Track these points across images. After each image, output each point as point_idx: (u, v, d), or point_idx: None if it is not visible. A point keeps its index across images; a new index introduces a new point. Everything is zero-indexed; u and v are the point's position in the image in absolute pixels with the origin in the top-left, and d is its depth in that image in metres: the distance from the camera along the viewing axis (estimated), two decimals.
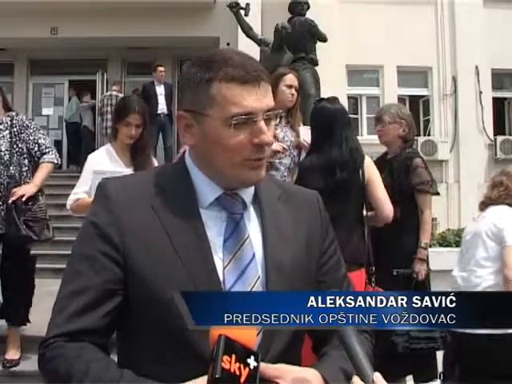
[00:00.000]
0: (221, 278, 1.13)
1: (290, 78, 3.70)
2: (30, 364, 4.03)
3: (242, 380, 0.94)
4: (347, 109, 11.75)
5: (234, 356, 0.94)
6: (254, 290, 1.14)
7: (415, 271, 3.59)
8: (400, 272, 3.55)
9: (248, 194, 1.23)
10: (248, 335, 0.99)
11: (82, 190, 3.44)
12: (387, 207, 3.24)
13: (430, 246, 4.65)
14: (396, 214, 3.36)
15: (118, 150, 3.54)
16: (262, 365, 1.02)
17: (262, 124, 1.14)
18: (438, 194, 3.81)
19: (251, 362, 0.96)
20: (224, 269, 1.14)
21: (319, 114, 3.35)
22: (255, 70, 1.15)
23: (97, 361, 1.07)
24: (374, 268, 3.25)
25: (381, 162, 3.74)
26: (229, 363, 0.93)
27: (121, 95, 10.70)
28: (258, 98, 1.13)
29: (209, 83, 1.13)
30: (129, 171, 3.36)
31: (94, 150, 12.62)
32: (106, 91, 11.94)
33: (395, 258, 3.55)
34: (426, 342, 3.42)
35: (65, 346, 1.08)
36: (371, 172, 3.25)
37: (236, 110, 1.12)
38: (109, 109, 10.39)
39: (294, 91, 3.70)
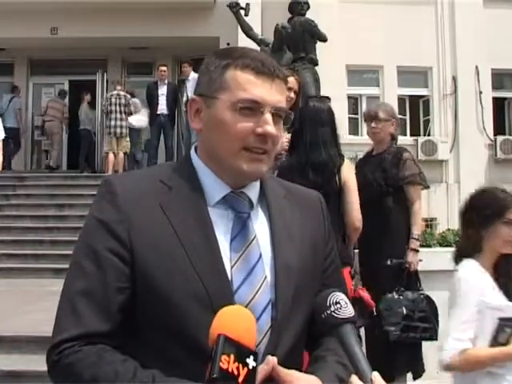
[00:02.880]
0: (229, 277, 1.12)
1: (291, 81, 3.69)
2: (30, 364, 4.03)
3: (240, 380, 0.93)
4: (347, 109, 11.68)
5: (232, 356, 0.93)
6: (260, 290, 1.13)
7: (408, 261, 3.64)
8: (393, 262, 3.60)
9: (254, 193, 1.23)
10: (248, 335, 0.99)
11: (468, 337, 2.19)
12: (355, 214, 3.18)
13: (430, 246, 4.66)
14: (389, 205, 3.51)
15: (487, 266, 2.33)
16: (278, 367, 1.02)
17: (269, 116, 1.15)
18: (428, 187, 3.90)
19: (250, 361, 0.95)
20: (232, 268, 1.13)
21: (302, 112, 3.29)
22: (273, 65, 1.17)
23: (122, 363, 1.05)
24: (354, 270, 3.30)
25: (366, 160, 3.92)
26: (227, 363, 0.92)
27: (129, 96, 10.62)
28: (269, 92, 1.15)
29: (225, 69, 1.16)
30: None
31: (93, 149, 12.66)
32: (106, 91, 11.92)
33: (387, 248, 3.60)
34: (418, 332, 3.50)
35: (82, 350, 1.06)
36: (348, 176, 3.19)
37: (244, 95, 1.14)
38: (116, 108, 10.30)
39: (292, 94, 3.70)
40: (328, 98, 3.53)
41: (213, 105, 1.16)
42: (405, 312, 3.54)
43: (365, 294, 3.21)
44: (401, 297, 3.59)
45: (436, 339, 3.55)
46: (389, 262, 3.60)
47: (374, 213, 3.49)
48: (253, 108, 1.14)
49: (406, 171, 3.71)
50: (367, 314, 3.21)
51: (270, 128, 1.15)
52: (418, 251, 3.68)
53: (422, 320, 3.56)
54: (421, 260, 3.73)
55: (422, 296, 3.64)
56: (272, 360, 1.03)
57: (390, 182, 3.67)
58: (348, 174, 3.20)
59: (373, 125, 3.85)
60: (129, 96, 10.53)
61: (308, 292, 1.20)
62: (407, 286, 3.65)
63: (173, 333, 1.09)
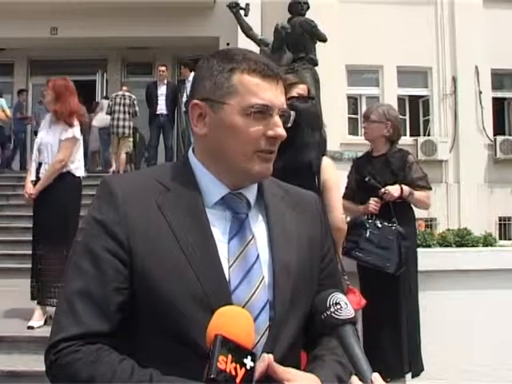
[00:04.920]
0: (226, 277, 1.13)
1: (303, 88, 3.70)
2: (30, 364, 4.02)
3: (238, 380, 0.93)
4: (347, 109, 11.66)
5: (230, 356, 0.93)
6: (258, 290, 1.14)
7: (387, 188, 3.65)
8: (371, 181, 3.67)
9: (252, 194, 1.23)
10: (246, 335, 0.99)
11: None
12: (337, 214, 3.14)
13: (430, 246, 4.66)
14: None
15: None
16: (275, 365, 1.02)
17: (278, 118, 1.17)
18: (430, 188, 3.93)
19: (248, 362, 0.95)
20: (229, 268, 1.14)
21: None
22: (275, 67, 1.19)
23: (119, 362, 1.05)
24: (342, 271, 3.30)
25: (368, 160, 3.94)
26: (225, 363, 0.92)
27: (133, 96, 10.65)
28: (275, 94, 1.17)
29: (230, 73, 1.16)
30: None
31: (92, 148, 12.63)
32: (106, 91, 11.96)
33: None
34: (375, 259, 3.54)
35: (80, 350, 1.06)
36: (328, 175, 3.11)
37: (255, 100, 1.14)
38: (120, 108, 10.33)
39: None
40: (310, 98, 3.53)
41: (220, 110, 1.16)
42: (367, 235, 3.56)
43: (353, 297, 3.21)
44: (369, 221, 3.62)
45: (392, 273, 3.51)
46: (367, 179, 3.67)
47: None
48: (263, 111, 1.15)
49: (413, 174, 3.79)
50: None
51: (281, 130, 1.17)
52: (401, 191, 3.65)
53: (384, 248, 3.57)
54: (401, 197, 3.67)
55: (393, 228, 3.62)
56: (268, 357, 1.03)
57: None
58: (328, 173, 3.12)
59: (364, 125, 3.97)
60: (133, 97, 10.57)
61: (305, 292, 1.20)
62: (381, 215, 3.67)
63: (171, 333, 1.09)
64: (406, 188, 3.68)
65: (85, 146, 12.01)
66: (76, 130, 4.73)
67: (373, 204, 3.67)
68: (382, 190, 3.64)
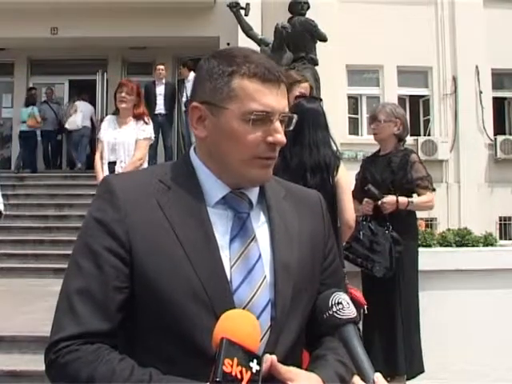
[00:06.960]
0: (228, 277, 1.12)
1: (306, 87, 3.70)
2: (30, 364, 4.03)
3: (244, 383, 0.93)
4: (347, 109, 11.68)
5: (235, 359, 0.93)
6: (260, 290, 1.13)
7: (384, 201, 3.62)
8: (370, 189, 3.63)
9: (254, 193, 1.23)
10: (251, 338, 0.99)
11: None
12: (350, 212, 3.21)
13: (430, 246, 4.65)
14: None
15: None
16: (278, 365, 1.02)
17: (278, 124, 1.15)
18: (434, 189, 3.91)
19: (254, 365, 0.96)
20: (231, 268, 1.13)
21: (299, 113, 3.26)
22: (277, 70, 1.16)
23: (119, 361, 1.05)
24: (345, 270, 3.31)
25: (373, 159, 3.95)
26: (230, 367, 0.92)
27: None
28: (277, 98, 1.15)
29: (230, 77, 1.14)
30: None
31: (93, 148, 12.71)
32: (106, 91, 11.93)
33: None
34: (363, 259, 3.53)
35: (80, 349, 1.05)
36: (341, 174, 3.20)
37: (256, 106, 1.13)
38: None
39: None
40: (318, 98, 3.54)
41: (220, 114, 1.15)
42: (360, 236, 3.56)
43: (356, 294, 3.21)
44: (364, 222, 3.61)
45: (379, 276, 3.52)
46: (366, 188, 3.64)
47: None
48: (262, 118, 1.14)
49: (413, 174, 3.74)
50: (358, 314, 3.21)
51: (281, 136, 1.15)
52: (397, 202, 3.62)
53: (374, 251, 3.56)
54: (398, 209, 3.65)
55: (387, 232, 3.61)
56: (270, 358, 1.02)
57: (397, 185, 3.70)
58: (341, 172, 3.21)
59: (372, 126, 3.93)
60: None
61: (307, 292, 1.20)
62: (378, 219, 3.66)
63: (171, 332, 1.09)
64: (402, 201, 3.63)
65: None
66: (152, 130, 5.02)
67: (365, 205, 3.67)
68: (379, 202, 3.62)
